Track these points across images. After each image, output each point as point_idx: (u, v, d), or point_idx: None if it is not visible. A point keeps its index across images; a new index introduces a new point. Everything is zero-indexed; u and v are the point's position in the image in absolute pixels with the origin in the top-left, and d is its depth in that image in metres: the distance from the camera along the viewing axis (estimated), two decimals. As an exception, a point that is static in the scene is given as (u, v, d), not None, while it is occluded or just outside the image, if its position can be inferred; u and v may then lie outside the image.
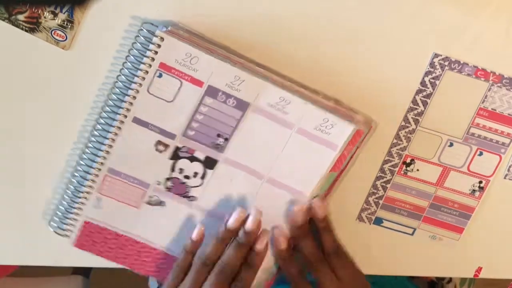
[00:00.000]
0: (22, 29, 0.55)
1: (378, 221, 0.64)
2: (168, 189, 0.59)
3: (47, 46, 0.56)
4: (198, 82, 0.56)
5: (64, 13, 0.55)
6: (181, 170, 0.59)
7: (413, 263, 0.68)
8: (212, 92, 0.56)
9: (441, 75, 0.57)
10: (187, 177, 0.59)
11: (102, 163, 0.58)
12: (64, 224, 0.61)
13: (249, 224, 0.56)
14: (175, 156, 0.58)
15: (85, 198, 0.59)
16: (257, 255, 0.58)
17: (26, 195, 0.61)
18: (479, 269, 0.68)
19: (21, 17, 0.55)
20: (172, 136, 0.57)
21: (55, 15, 0.55)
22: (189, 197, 0.59)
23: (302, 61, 0.58)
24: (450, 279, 0.87)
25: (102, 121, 0.57)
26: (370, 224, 0.64)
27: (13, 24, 0.55)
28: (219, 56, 0.55)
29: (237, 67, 0.55)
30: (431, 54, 0.57)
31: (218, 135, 0.58)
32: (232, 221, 0.57)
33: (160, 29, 0.54)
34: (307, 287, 0.59)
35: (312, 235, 0.59)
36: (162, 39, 0.54)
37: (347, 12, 0.56)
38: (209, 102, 0.56)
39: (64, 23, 0.55)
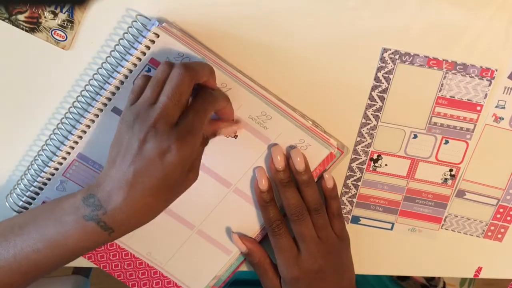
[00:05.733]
0: (22, 29, 0.55)
1: (355, 220, 0.65)
2: None
3: (47, 46, 0.56)
4: None
5: (64, 13, 0.55)
6: None
7: (412, 263, 0.68)
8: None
9: (393, 68, 0.58)
10: None
11: (72, 147, 0.58)
12: (22, 201, 0.60)
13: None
14: None
15: (49, 179, 0.59)
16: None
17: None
18: (479, 269, 0.68)
19: (21, 17, 0.55)
20: None
21: (55, 15, 0.55)
22: None
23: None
24: (444, 286, 0.86)
25: (78, 105, 0.57)
26: (348, 223, 0.65)
27: (13, 24, 0.55)
28: (209, 60, 0.55)
29: (226, 74, 0.55)
30: (380, 49, 0.58)
31: None
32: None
33: (154, 24, 0.54)
34: (286, 235, 0.59)
35: (296, 188, 0.60)
36: (157, 35, 0.54)
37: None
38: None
39: (64, 23, 0.55)
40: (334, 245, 0.60)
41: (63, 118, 0.58)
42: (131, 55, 0.55)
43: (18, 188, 0.60)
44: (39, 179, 0.59)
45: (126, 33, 0.55)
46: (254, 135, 0.58)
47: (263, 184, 0.59)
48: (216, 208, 0.60)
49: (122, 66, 0.55)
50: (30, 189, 0.59)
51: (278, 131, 0.58)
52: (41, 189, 0.59)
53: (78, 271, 0.93)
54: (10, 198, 0.61)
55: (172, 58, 0.55)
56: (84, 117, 0.57)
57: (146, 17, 0.56)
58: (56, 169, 0.59)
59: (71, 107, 0.57)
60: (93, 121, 0.57)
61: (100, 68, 0.56)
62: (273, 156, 0.58)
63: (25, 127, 0.60)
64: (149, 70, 0.55)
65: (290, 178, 0.59)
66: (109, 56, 0.56)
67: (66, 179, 0.59)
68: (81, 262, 0.64)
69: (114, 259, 0.63)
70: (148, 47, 0.54)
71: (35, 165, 0.59)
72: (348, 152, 0.62)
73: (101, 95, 0.56)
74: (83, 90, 0.57)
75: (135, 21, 0.55)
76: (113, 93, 0.56)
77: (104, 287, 1.06)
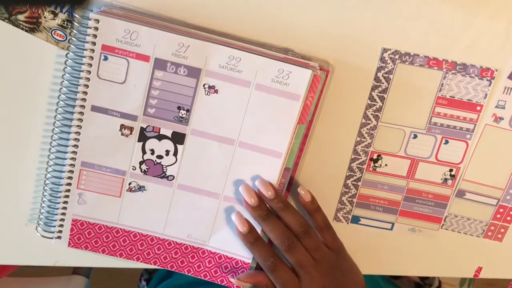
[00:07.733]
0: (22, 29, 0.55)
1: (356, 220, 0.65)
2: (144, 172, 0.59)
3: (47, 46, 0.56)
4: (144, 57, 0.55)
5: (64, 13, 0.55)
6: (152, 151, 0.58)
7: (412, 263, 0.68)
8: (160, 64, 0.55)
9: (393, 68, 0.58)
10: (160, 157, 0.58)
11: (73, 158, 0.58)
12: (52, 226, 0.60)
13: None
14: (143, 138, 0.58)
15: (67, 196, 0.59)
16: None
17: (24, 194, 0.62)
18: (479, 269, 0.68)
19: (21, 17, 0.54)
20: (133, 117, 0.57)
21: (55, 15, 0.55)
22: (167, 177, 0.59)
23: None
24: (439, 285, 0.85)
25: (60, 116, 0.57)
26: (348, 223, 0.65)
27: (13, 24, 0.55)
28: (157, 26, 0.54)
29: (178, 34, 0.54)
30: (380, 49, 0.58)
31: (179, 108, 0.57)
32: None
33: (94, 12, 0.53)
34: (284, 268, 0.59)
35: (277, 217, 0.59)
36: (97, 21, 0.53)
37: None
38: (160, 75, 0.55)
39: (64, 23, 0.55)
40: (332, 261, 0.59)
41: (52, 135, 0.58)
42: (84, 50, 0.54)
43: (43, 216, 0.60)
44: (58, 200, 0.59)
45: (71, 31, 0.55)
46: (232, 82, 0.56)
47: (244, 228, 0.59)
48: (231, 169, 0.59)
49: (83, 64, 0.55)
50: (55, 213, 0.60)
51: (253, 70, 0.55)
52: (64, 208, 0.60)
53: (78, 271, 0.93)
54: (40, 228, 0.61)
55: (120, 37, 0.54)
56: (70, 126, 0.57)
57: (87, 9, 0.55)
58: (69, 184, 0.59)
59: (55, 122, 0.57)
60: (80, 126, 0.57)
61: (64, 74, 0.56)
62: (244, 194, 0.58)
63: (25, 127, 0.59)
64: (106, 58, 0.55)
65: (268, 210, 0.59)
66: (67, 60, 0.55)
67: (82, 191, 0.59)
68: (81, 262, 0.65)
69: (160, 252, 0.62)
70: (95, 36, 0.54)
71: (48, 188, 0.59)
72: (334, 70, 0.59)
73: (75, 98, 0.56)
74: (58, 101, 0.56)
75: (75, 16, 0.54)
76: (85, 92, 0.56)
77: (104, 287, 1.06)
